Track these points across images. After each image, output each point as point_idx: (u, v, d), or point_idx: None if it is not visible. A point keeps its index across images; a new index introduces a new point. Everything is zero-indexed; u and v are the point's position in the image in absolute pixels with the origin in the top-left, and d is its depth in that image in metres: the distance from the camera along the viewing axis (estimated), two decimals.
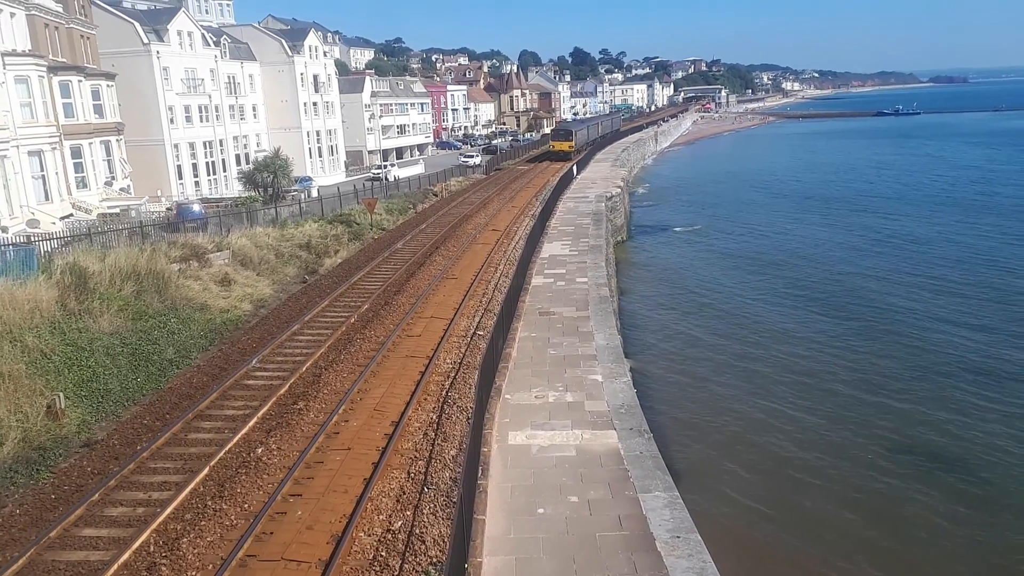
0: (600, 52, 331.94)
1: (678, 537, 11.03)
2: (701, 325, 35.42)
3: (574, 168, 63.29)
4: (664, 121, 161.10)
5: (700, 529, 11.30)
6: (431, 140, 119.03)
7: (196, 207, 44.44)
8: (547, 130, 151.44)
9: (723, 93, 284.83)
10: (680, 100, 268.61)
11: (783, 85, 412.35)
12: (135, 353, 19.17)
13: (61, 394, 16.15)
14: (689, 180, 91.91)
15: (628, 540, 11.04)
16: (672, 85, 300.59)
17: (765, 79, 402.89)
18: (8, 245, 24.22)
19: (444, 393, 17.14)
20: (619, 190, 54.07)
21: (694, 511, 12.04)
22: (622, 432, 14.60)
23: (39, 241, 25.26)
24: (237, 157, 68.71)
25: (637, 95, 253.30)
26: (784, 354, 30.75)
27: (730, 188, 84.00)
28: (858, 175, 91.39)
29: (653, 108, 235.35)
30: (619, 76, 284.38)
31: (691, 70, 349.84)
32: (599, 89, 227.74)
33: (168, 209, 45.89)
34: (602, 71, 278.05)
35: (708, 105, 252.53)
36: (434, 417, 15.92)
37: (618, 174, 64.11)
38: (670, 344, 32.70)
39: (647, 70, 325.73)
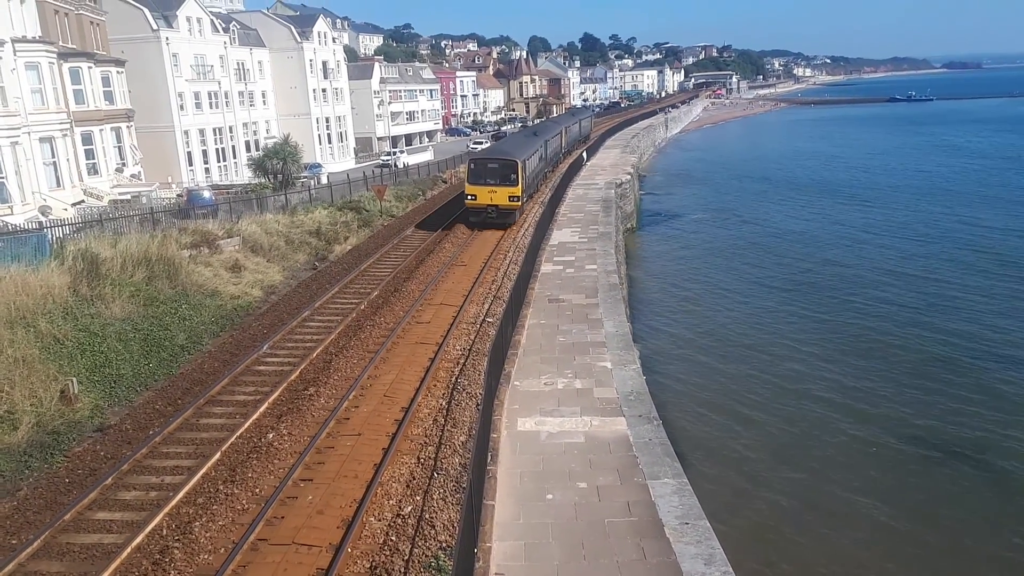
0: (610, 38, 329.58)
1: (687, 524, 11.05)
2: (711, 312, 35.36)
3: (584, 154, 63.03)
4: (674, 107, 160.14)
5: (709, 516, 11.32)
6: (440, 127, 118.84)
7: (206, 194, 44.58)
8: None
9: (734, 79, 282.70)
10: (691, 86, 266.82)
11: (794, 71, 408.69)
12: (147, 339, 19.30)
13: (74, 379, 16.28)
14: (700, 167, 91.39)
15: (637, 526, 11.07)
16: (683, 71, 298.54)
17: (776, 65, 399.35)
18: (20, 232, 24.40)
19: (453, 379, 17.19)
20: (629, 177, 53.83)
21: (703, 498, 12.05)
22: (631, 419, 14.61)
23: (51, 227, 25.39)
24: (247, 144, 68.82)
25: (647, 81, 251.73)
26: (795, 342, 30.68)
27: (741, 176, 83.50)
28: (872, 164, 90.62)
29: (663, 94, 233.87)
30: (629, 62, 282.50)
31: (702, 56, 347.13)
32: (609, 75, 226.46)
33: (178, 195, 46.04)
34: (612, 57, 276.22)
35: (719, 91, 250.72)
36: (444, 403, 15.97)
37: (628, 161, 63.83)
38: (680, 331, 32.66)
39: (657, 56, 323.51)
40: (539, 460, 13.21)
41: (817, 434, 22.87)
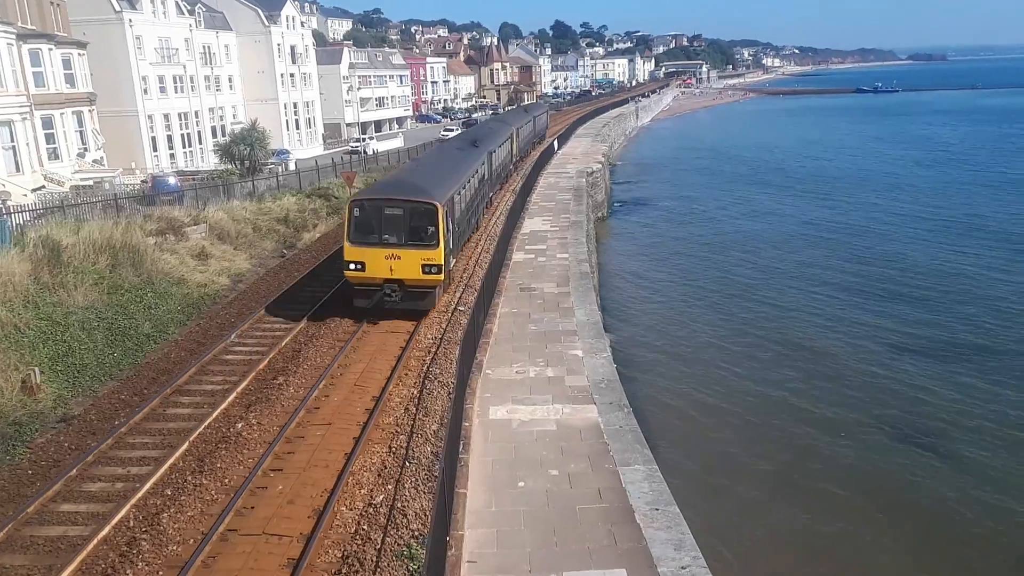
0: (581, 26, 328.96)
1: (656, 509, 11.17)
2: (681, 300, 35.68)
3: (555, 143, 63.05)
4: (645, 96, 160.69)
5: (679, 502, 11.45)
6: (410, 113, 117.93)
7: (172, 180, 43.81)
8: (528, 103, 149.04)
9: (704, 68, 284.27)
10: (661, 75, 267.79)
11: (764, 61, 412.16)
12: (111, 327, 18.94)
13: (36, 369, 15.95)
14: (670, 156, 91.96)
15: (607, 512, 11.17)
16: (653, 60, 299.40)
17: (746, 55, 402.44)
18: None
19: (425, 368, 17.15)
20: (600, 166, 53.99)
21: (673, 484, 12.19)
22: (602, 406, 14.71)
23: (11, 214, 24.75)
24: (213, 129, 67.67)
25: (618, 70, 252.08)
26: (765, 328, 31.10)
27: (710, 164, 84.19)
28: (836, 153, 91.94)
29: (634, 83, 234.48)
30: (600, 50, 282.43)
31: (672, 45, 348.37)
32: (580, 63, 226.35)
33: (143, 182, 45.19)
34: (583, 45, 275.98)
35: (689, 80, 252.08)
36: (415, 392, 15.93)
37: (599, 149, 63.96)
38: (650, 320, 32.92)
39: (628, 44, 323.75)
40: (511, 448, 13.25)
41: (785, 421, 23.23)
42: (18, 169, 37.44)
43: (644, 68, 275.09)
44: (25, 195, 34.30)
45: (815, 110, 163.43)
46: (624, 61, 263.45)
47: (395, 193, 20.47)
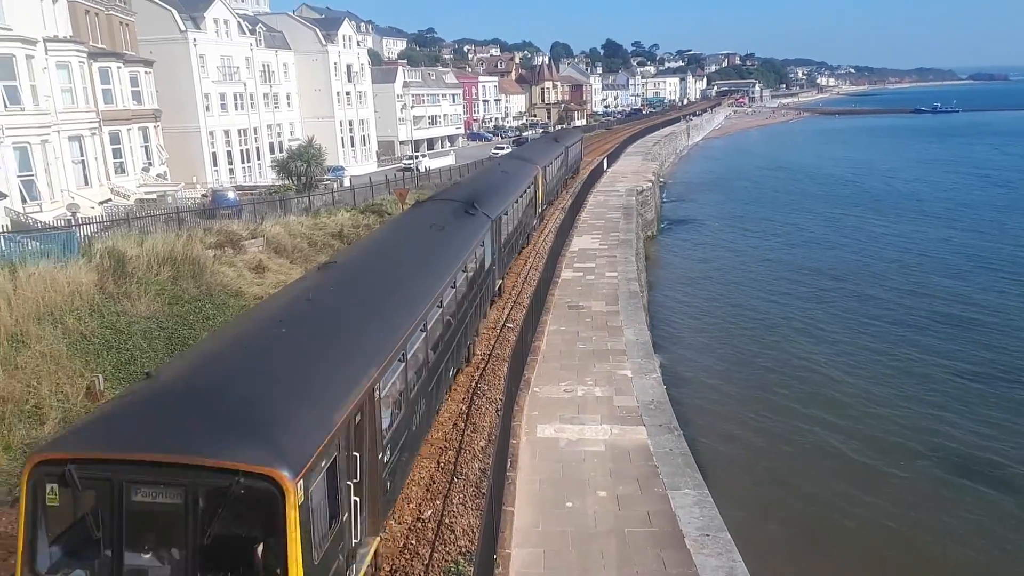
0: (633, 44, 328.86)
1: (707, 535, 11.00)
2: (732, 322, 35.16)
3: (604, 161, 63.01)
4: (696, 115, 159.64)
5: (730, 528, 11.25)
6: (462, 131, 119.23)
7: (231, 194, 45.02)
8: (579, 122, 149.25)
9: (757, 87, 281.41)
10: (713, 94, 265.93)
11: (818, 80, 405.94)
12: (171, 337, 19.50)
13: (100, 375, 16.50)
14: (722, 175, 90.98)
15: (657, 536, 11.03)
16: (705, 79, 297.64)
17: (800, 74, 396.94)
18: (49, 229, 24.78)
19: (474, 384, 17.23)
20: (650, 184, 53.78)
21: (724, 510, 11.99)
22: (651, 428, 14.57)
23: (79, 225, 25.76)
24: (271, 145, 69.46)
25: (669, 88, 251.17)
26: (819, 355, 30.40)
27: (762, 184, 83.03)
28: (895, 175, 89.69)
29: (685, 101, 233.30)
30: (651, 69, 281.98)
31: (724, 64, 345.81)
32: (631, 82, 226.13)
33: (203, 196, 46.53)
34: (634, 63, 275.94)
35: (741, 99, 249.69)
36: (464, 408, 16.01)
37: (649, 168, 63.72)
38: (700, 340, 32.50)
39: (680, 63, 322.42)
40: (559, 467, 13.21)
41: (843, 451, 22.61)
42: (87, 182, 38.97)
43: (695, 87, 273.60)
44: (93, 208, 35.67)
45: (872, 131, 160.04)
46: (675, 80, 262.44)
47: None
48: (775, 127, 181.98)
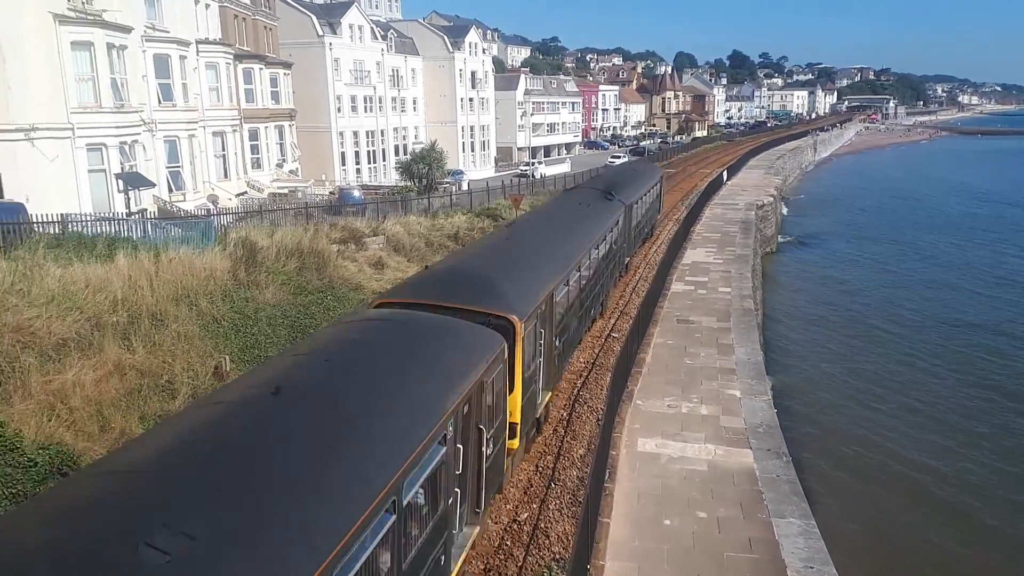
0: (760, 56, 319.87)
1: (812, 568, 10.55)
2: (851, 346, 33.45)
3: (724, 173, 61.41)
4: (824, 130, 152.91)
5: (836, 564, 10.75)
6: (579, 139, 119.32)
7: (356, 193, 46.94)
8: (699, 133, 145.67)
9: (891, 104, 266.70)
10: (844, 109, 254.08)
11: (959, 98, 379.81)
12: (294, 325, 20.52)
13: (227, 357, 17.58)
14: (848, 194, 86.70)
15: (757, 564, 10.68)
16: (836, 93, 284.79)
17: (939, 91, 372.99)
18: (190, 217, 26.66)
19: (576, 392, 17.22)
20: (771, 199, 51.98)
21: (830, 543, 11.45)
22: (758, 452, 14.11)
23: (217, 215, 27.57)
24: (396, 147, 71.90)
25: (797, 101, 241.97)
26: (943, 387, 28.51)
27: (891, 205, 78.61)
28: None
29: (813, 115, 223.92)
30: (779, 81, 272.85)
31: (857, 78, 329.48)
32: (756, 94, 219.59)
33: (331, 193, 48.75)
34: (761, 75, 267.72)
35: (874, 116, 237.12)
36: (564, 414, 16.03)
37: (771, 182, 61.62)
38: (816, 364, 31.11)
39: (809, 76, 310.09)
40: (658, 483, 13.00)
41: (966, 493, 21.09)
42: (226, 175, 41.68)
43: (825, 101, 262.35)
44: (230, 199, 38.11)
45: (1018, 153, 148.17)
46: (804, 93, 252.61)
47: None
48: (910, 146, 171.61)
